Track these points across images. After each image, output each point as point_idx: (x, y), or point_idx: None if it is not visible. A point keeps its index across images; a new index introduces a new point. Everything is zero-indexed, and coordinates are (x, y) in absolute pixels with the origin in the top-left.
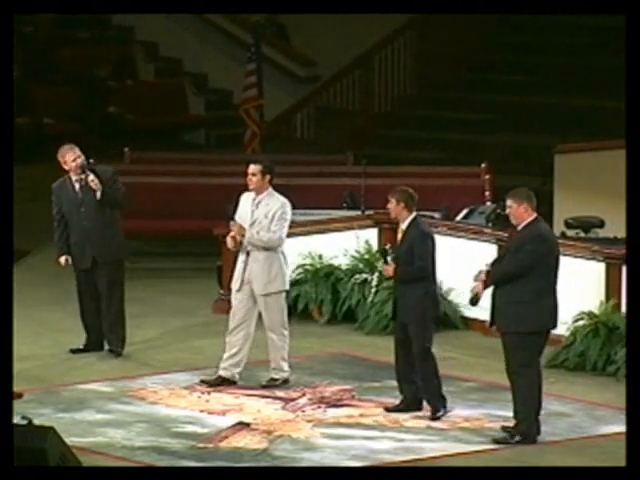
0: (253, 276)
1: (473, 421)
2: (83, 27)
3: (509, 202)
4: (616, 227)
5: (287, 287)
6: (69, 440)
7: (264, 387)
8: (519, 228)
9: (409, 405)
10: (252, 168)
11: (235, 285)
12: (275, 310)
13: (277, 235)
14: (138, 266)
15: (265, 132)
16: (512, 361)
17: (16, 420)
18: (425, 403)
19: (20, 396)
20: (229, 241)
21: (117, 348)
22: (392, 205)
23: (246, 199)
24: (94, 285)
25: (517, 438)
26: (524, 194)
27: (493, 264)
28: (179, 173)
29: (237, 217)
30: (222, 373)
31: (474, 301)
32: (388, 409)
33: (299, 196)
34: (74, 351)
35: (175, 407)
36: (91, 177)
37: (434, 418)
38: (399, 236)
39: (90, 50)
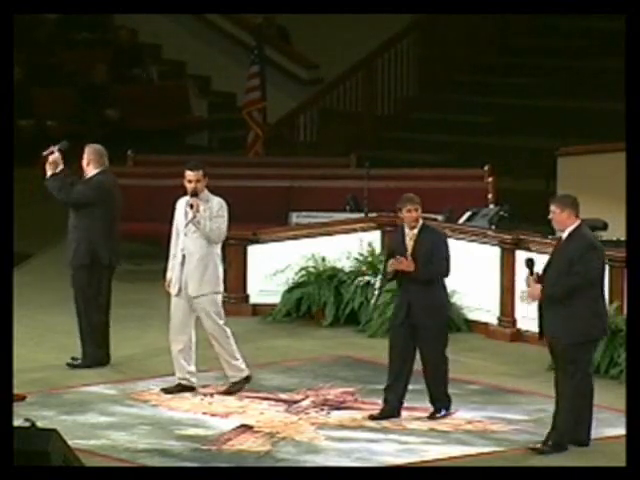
0: (188, 278)
1: (476, 423)
2: (85, 29)
3: (552, 207)
4: (619, 229)
5: (221, 289)
6: (72, 442)
7: (230, 393)
8: (564, 235)
9: (394, 410)
10: (194, 175)
11: (173, 289)
12: (211, 312)
13: (220, 228)
14: (141, 268)
15: (268, 134)
16: (573, 368)
17: (19, 422)
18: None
19: (23, 398)
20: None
21: (77, 361)
22: (419, 212)
23: (182, 202)
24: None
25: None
26: (569, 200)
27: (545, 271)
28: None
29: (175, 222)
30: (182, 382)
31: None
32: (374, 417)
33: (302, 198)
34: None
35: (178, 409)
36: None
37: (434, 417)
38: (409, 240)
39: (92, 52)
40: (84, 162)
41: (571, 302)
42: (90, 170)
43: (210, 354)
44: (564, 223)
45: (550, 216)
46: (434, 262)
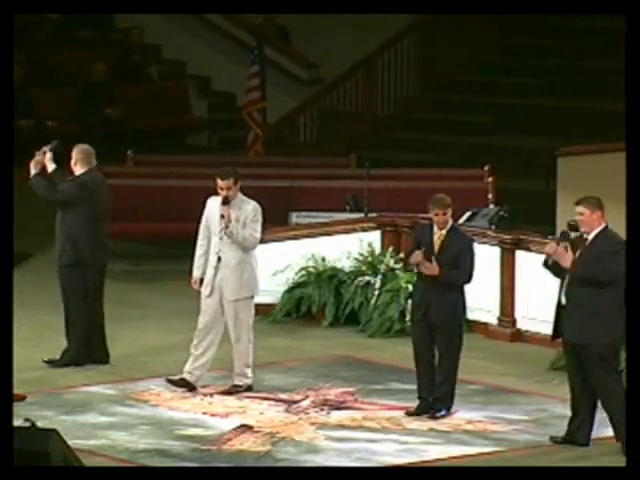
0: (224, 281)
1: (476, 423)
2: (86, 29)
3: (581, 209)
4: (619, 229)
5: (257, 293)
6: (72, 443)
7: (230, 393)
8: (590, 236)
9: (428, 407)
10: (225, 183)
11: (205, 291)
12: (244, 316)
13: (254, 236)
14: (140, 268)
15: (268, 135)
16: (608, 368)
17: (19, 423)
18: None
19: (23, 398)
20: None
21: (55, 357)
22: (447, 215)
23: (214, 203)
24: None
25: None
26: (596, 201)
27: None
28: (182, 175)
29: (204, 220)
30: (187, 377)
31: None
32: (410, 413)
33: (302, 199)
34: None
35: (178, 409)
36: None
37: (434, 417)
38: (437, 240)
39: (93, 52)
40: (72, 162)
41: (601, 303)
42: (77, 169)
43: (214, 355)
44: (592, 225)
45: (578, 218)
46: (460, 267)
